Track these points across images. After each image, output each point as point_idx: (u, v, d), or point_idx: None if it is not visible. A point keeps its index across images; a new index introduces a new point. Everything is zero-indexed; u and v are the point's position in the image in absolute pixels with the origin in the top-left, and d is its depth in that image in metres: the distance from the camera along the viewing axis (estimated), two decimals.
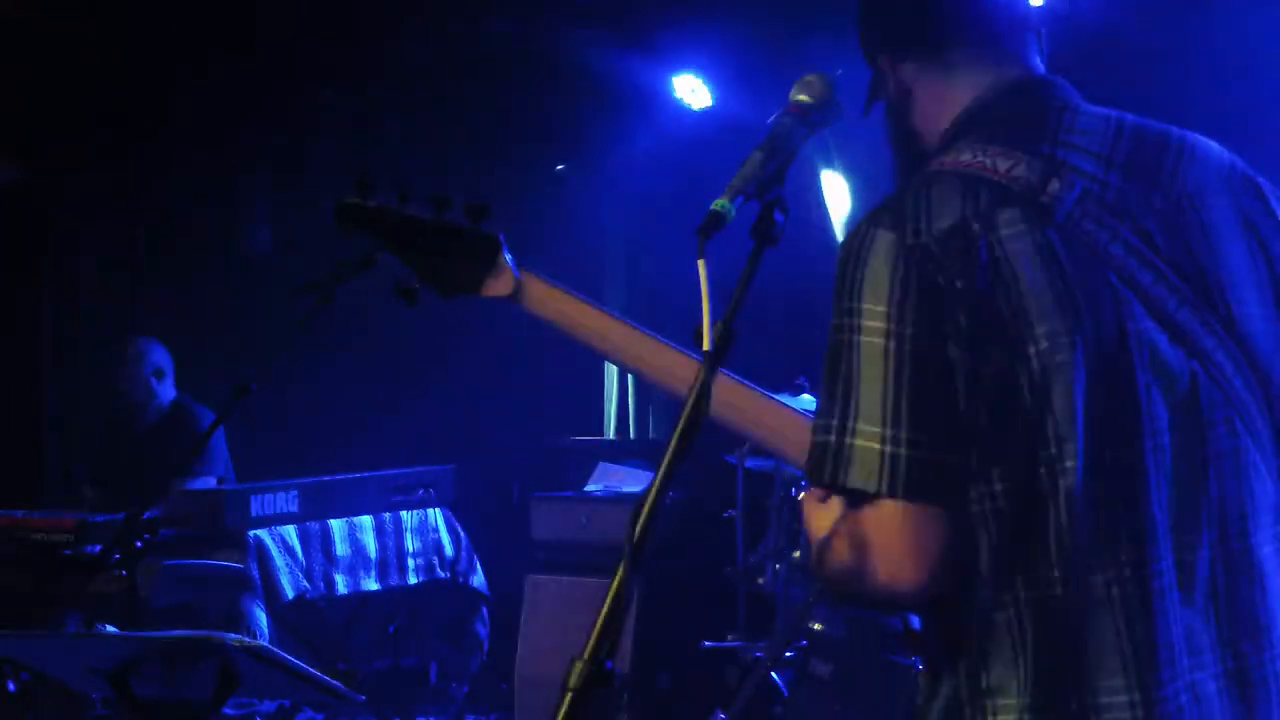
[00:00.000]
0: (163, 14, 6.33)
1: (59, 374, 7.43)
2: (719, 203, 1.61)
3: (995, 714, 1.59)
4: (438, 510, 6.20)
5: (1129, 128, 1.75)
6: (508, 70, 6.83)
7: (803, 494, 1.85)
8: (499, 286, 2.06)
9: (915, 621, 2.10)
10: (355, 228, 2.12)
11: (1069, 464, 1.57)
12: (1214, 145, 1.79)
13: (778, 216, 1.64)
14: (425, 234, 2.08)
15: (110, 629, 3.25)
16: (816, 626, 4.34)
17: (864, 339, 1.58)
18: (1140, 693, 1.56)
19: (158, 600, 4.95)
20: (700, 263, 1.54)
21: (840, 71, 1.80)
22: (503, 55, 6.76)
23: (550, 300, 2.06)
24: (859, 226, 1.65)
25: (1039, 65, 1.82)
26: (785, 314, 5.65)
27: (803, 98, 1.74)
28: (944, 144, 1.75)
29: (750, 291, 1.59)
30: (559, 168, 7.47)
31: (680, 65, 6.69)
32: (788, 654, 4.42)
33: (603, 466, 6.30)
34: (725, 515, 5.45)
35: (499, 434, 7.38)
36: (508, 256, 2.06)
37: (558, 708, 1.32)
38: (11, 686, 4.80)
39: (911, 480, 1.55)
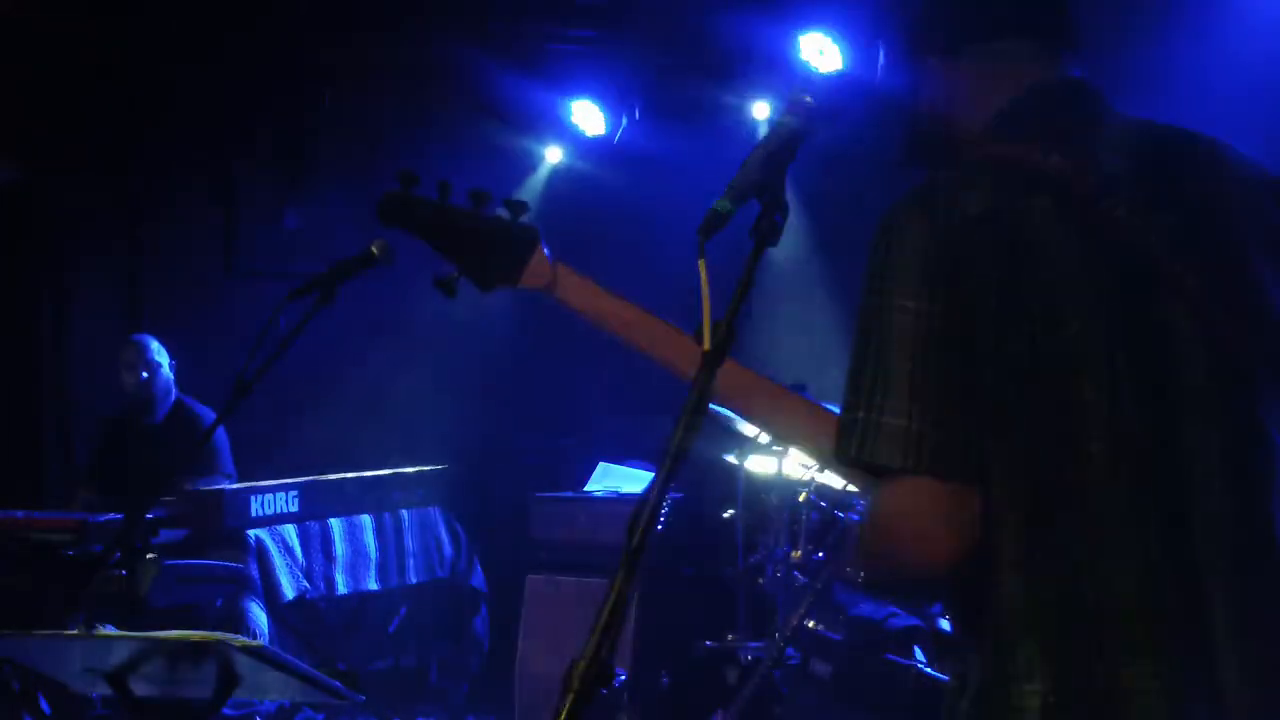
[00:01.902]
0: (163, 14, 6.33)
1: (59, 374, 7.43)
2: (719, 202, 1.61)
3: (1023, 697, 1.59)
4: (438, 510, 6.20)
5: (1159, 130, 1.79)
6: (508, 69, 6.83)
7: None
8: (535, 278, 2.10)
9: (943, 625, 2.11)
10: (397, 221, 2.15)
11: (1095, 446, 1.58)
12: (1241, 151, 1.82)
13: (777, 217, 1.64)
14: (467, 227, 2.12)
15: (110, 629, 3.25)
16: (816, 626, 4.34)
17: (895, 318, 1.60)
18: (1168, 673, 1.56)
19: (158, 600, 4.95)
20: (700, 262, 1.54)
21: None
22: (503, 54, 6.76)
23: (585, 292, 2.09)
24: (892, 210, 1.67)
25: (1074, 69, 1.85)
26: (786, 314, 5.65)
27: (805, 98, 1.74)
28: (982, 137, 1.77)
29: (750, 291, 1.59)
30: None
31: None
32: (788, 654, 4.42)
33: (603, 466, 6.30)
34: (725, 515, 5.45)
35: (499, 434, 7.38)
36: (545, 249, 2.10)
37: (558, 708, 1.32)
38: (15, 686, 4.80)
39: (937, 457, 1.56)
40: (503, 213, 2.13)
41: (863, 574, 1.74)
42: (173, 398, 6.04)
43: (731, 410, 2.04)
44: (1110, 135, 1.74)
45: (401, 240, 2.26)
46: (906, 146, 1.91)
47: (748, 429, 4.73)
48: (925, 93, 1.87)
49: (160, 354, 6.05)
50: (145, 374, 5.96)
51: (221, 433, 5.88)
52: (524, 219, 2.12)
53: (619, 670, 5.26)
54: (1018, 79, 1.79)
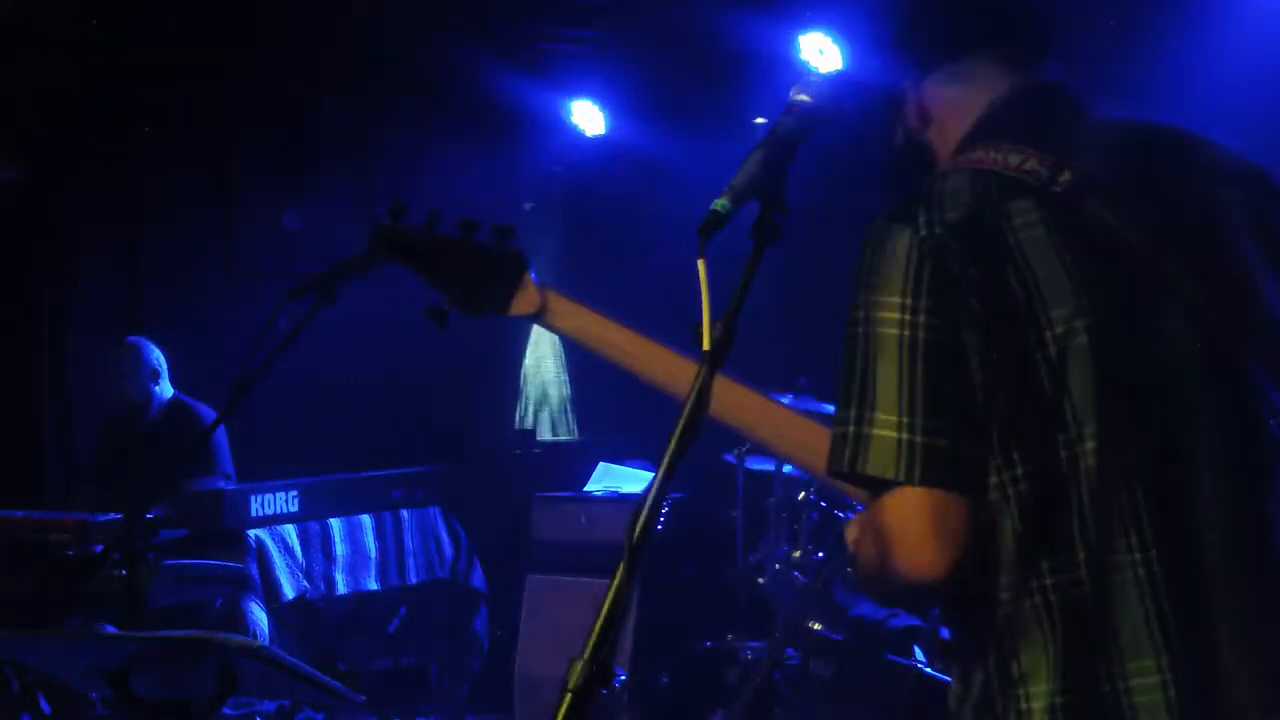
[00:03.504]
0: (163, 14, 6.33)
1: (59, 374, 7.43)
2: (719, 202, 1.61)
3: (1029, 701, 1.59)
4: (438, 510, 6.20)
5: (1140, 127, 1.79)
6: (508, 70, 6.83)
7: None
8: (525, 305, 2.15)
9: (945, 632, 2.12)
10: (388, 252, 2.20)
11: (1088, 445, 1.58)
12: (1225, 144, 1.82)
13: (777, 217, 1.64)
14: (456, 256, 2.17)
15: (110, 629, 3.25)
16: (816, 626, 4.34)
17: (879, 330, 1.60)
18: (1171, 672, 1.56)
19: (158, 600, 4.95)
20: (700, 262, 1.54)
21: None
22: (503, 55, 6.77)
23: (573, 316, 2.15)
24: (874, 224, 1.67)
25: (1051, 72, 1.84)
26: (786, 314, 5.65)
27: (803, 98, 1.75)
28: (958, 150, 1.78)
29: (750, 291, 1.59)
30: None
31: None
32: (788, 654, 4.42)
33: (603, 466, 6.30)
34: (725, 515, 5.45)
35: (499, 434, 7.38)
36: (532, 274, 2.15)
37: (558, 708, 1.32)
38: (15, 686, 4.81)
39: (929, 467, 1.56)
40: (490, 241, 2.17)
41: (862, 585, 1.73)
42: (169, 398, 6.05)
43: (721, 423, 2.05)
44: (1090, 135, 1.73)
45: None
46: (889, 172, 1.92)
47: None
48: (904, 114, 1.87)
49: (154, 355, 6.06)
50: (140, 376, 5.98)
51: (220, 432, 5.88)
52: (510, 245, 2.17)
53: (619, 670, 5.26)
54: (993, 89, 1.79)
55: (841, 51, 5.77)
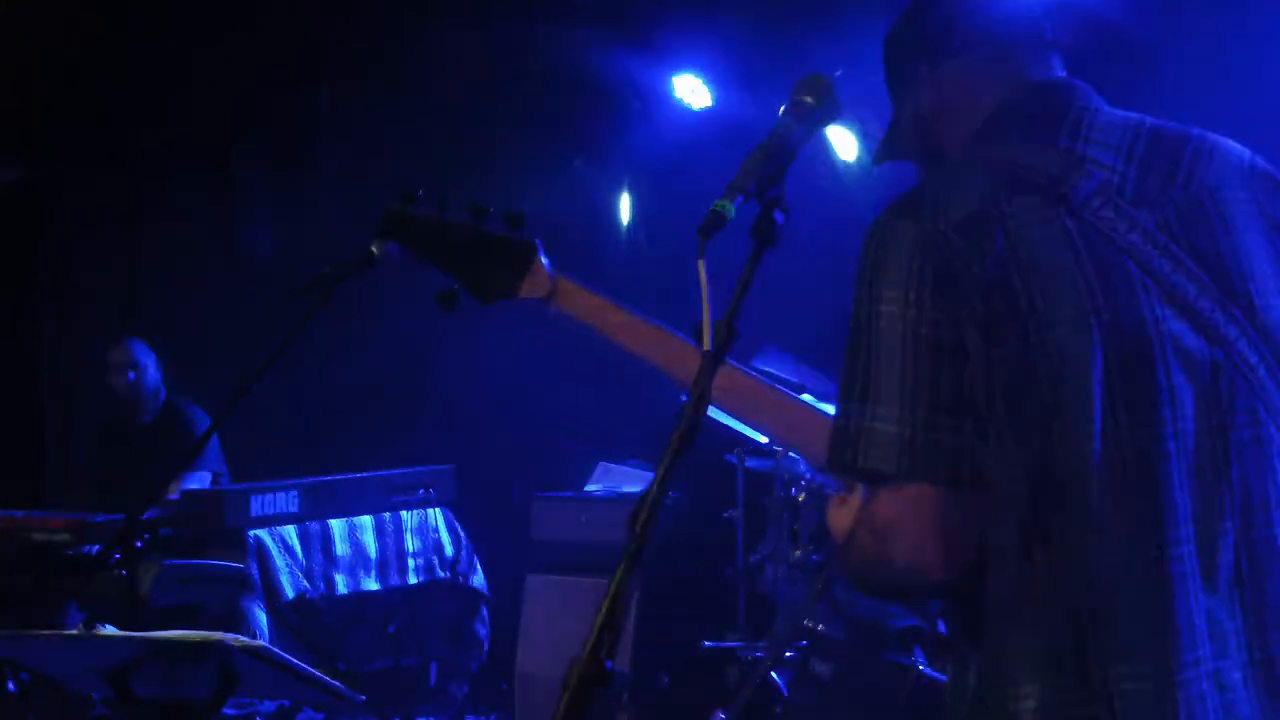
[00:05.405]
0: (163, 13, 6.34)
1: (58, 374, 7.43)
2: (719, 203, 1.62)
3: (1018, 699, 1.59)
4: (438, 510, 6.19)
5: (1148, 127, 1.78)
6: (507, 69, 6.83)
7: (831, 498, 1.86)
8: (535, 289, 2.15)
9: (943, 627, 2.12)
10: (398, 237, 2.21)
11: (1087, 447, 1.58)
12: (1233, 144, 1.82)
13: (778, 216, 1.64)
14: (466, 241, 2.17)
15: (110, 629, 3.25)
16: (816, 626, 4.34)
17: (882, 325, 1.60)
18: (1163, 676, 1.56)
19: (158, 600, 4.95)
20: (700, 262, 1.54)
21: (840, 72, 1.81)
22: (503, 54, 6.77)
23: (584, 303, 2.14)
24: (880, 217, 1.67)
25: (1061, 69, 1.85)
26: (787, 314, 5.64)
27: (804, 98, 1.74)
28: (969, 143, 1.78)
29: (750, 291, 1.59)
30: (577, 163, 7.51)
31: (680, 65, 6.69)
32: (788, 654, 4.42)
33: (603, 466, 6.29)
34: (725, 515, 5.45)
35: (499, 434, 7.37)
36: (544, 260, 2.15)
37: (558, 708, 1.31)
38: (11, 686, 4.80)
39: (929, 463, 1.57)
40: (500, 226, 2.17)
41: (854, 577, 1.73)
42: (163, 398, 6.07)
43: (727, 414, 2.05)
44: (1099, 133, 1.74)
45: None
46: (885, 144, 1.92)
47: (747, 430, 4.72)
48: (915, 99, 1.87)
49: (147, 355, 6.07)
50: (133, 375, 6.00)
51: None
52: (521, 231, 2.16)
53: (619, 670, 5.26)
54: (1005, 82, 1.80)
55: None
